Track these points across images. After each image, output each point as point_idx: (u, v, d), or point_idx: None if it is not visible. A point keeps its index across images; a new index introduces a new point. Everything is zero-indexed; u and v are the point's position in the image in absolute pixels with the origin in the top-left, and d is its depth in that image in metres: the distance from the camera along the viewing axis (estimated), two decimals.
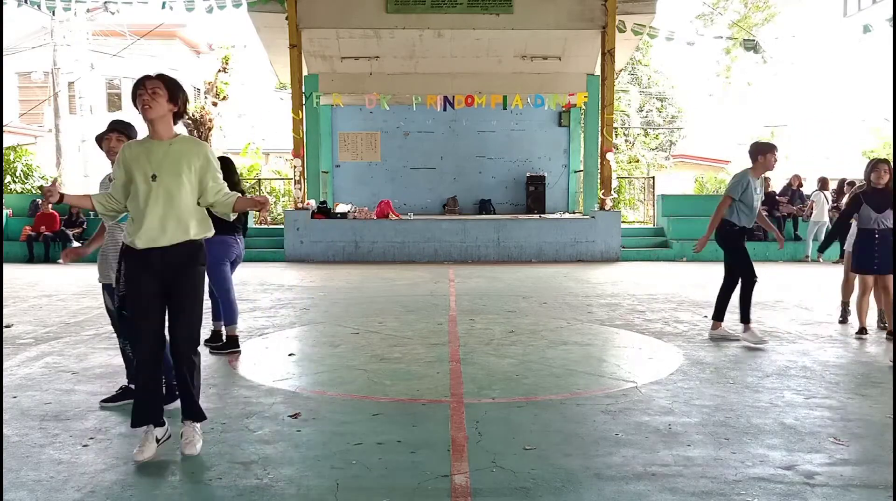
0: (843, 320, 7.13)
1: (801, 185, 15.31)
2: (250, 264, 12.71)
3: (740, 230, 6.24)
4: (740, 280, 6.29)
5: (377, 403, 4.45)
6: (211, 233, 3.66)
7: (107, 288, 4.39)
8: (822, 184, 14.23)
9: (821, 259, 6.27)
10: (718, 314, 6.43)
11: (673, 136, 33.01)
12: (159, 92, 3.45)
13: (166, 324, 3.55)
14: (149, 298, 3.48)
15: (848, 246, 6.92)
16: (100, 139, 4.29)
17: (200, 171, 3.53)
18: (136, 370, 3.63)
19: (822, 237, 13.54)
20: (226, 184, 3.65)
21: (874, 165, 6.41)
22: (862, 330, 6.49)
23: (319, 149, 16.38)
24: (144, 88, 3.44)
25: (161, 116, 3.48)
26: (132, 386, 4.46)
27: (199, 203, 3.57)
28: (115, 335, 6.35)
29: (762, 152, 6.27)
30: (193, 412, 3.62)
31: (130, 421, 3.56)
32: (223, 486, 3.18)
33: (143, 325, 3.49)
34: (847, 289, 7.14)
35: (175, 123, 3.60)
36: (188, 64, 30.19)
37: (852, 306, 6.96)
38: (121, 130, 4.26)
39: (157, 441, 3.53)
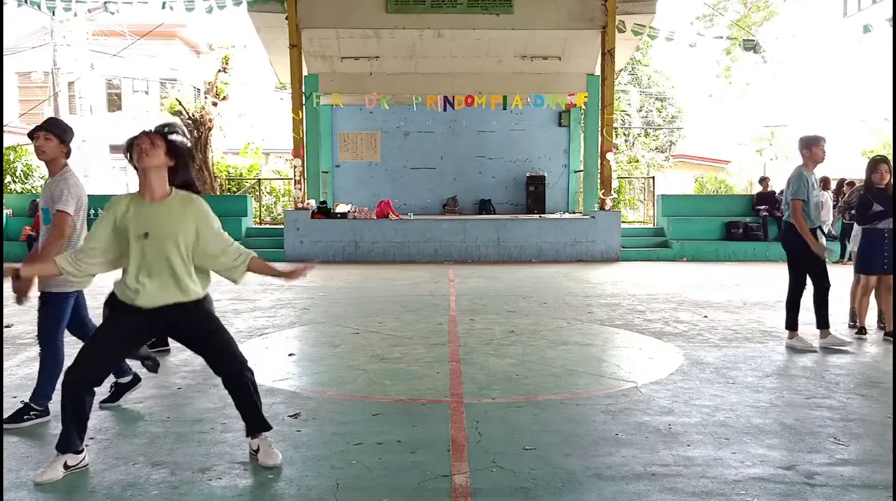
0: (854, 324, 6.85)
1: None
2: None
3: (810, 232, 5.91)
4: (813, 286, 6.01)
5: (377, 403, 4.45)
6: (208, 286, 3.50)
7: (52, 297, 4.05)
8: (825, 184, 14.20)
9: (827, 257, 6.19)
10: (792, 323, 6.07)
11: (673, 136, 33.01)
12: (158, 143, 3.33)
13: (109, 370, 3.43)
14: (123, 339, 3.36)
15: (854, 246, 6.84)
16: (31, 136, 4.05)
17: (198, 234, 3.35)
18: (62, 391, 3.26)
19: (823, 240, 13.51)
20: (234, 243, 3.45)
21: (874, 165, 6.39)
22: (861, 330, 6.49)
23: (319, 149, 16.38)
24: (144, 138, 3.34)
25: (156, 166, 3.31)
26: (121, 381, 4.46)
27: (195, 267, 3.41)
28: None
29: (807, 146, 6.07)
30: (264, 423, 3.54)
31: (56, 444, 3.31)
32: (223, 486, 3.18)
33: (94, 354, 3.27)
34: (858, 292, 7.00)
35: (172, 183, 3.38)
36: (188, 64, 30.22)
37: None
38: (50, 128, 4.03)
39: (67, 467, 3.28)
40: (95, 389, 3.32)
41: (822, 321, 6.05)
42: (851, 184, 13.54)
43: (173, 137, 3.39)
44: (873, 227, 6.32)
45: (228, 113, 22.85)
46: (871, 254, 6.39)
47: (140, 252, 3.26)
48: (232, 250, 3.43)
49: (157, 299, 3.29)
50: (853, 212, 6.70)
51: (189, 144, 3.52)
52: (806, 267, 6.04)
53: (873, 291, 6.52)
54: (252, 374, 3.55)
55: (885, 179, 6.30)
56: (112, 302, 3.45)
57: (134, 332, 3.38)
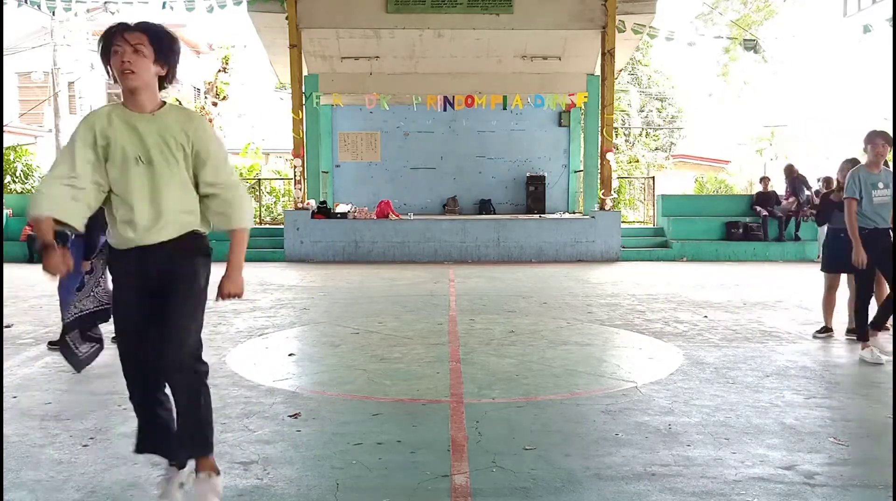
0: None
1: (796, 175, 14.63)
2: (250, 264, 12.67)
3: (866, 234, 5.69)
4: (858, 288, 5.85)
5: (377, 403, 4.45)
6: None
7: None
8: (827, 183, 14.14)
9: None
10: (862, 333, 5.73)
11: (673, 136, 33.01)
12: (143, 50, 2.57)
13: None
14: (140, 308, 2.77)
15: None
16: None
17: (194, 149, 2.71)
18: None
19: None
20: (235, 177, 2.80)
21: (844, 166, 6.45)
22: (826, 330, 6.51)
23: (319, 149, 16.39)
24: (124, 42, 2.56)
25: (146, 83, 2.62)
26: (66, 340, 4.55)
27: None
28: (114, 334, 6.35)
29: (866, 142, 5.81)
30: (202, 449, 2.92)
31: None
32: (223, 486, 3.18)
33: (135, 347, 2.76)
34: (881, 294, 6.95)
35: (161, 89, 2.72)
36: (188, 64, 30.20)
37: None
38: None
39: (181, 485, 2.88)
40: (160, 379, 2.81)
41: (862, 333, 5.75)
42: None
43: (155, 29, 2.65)
44: (839, 226, 6.35)
45: (228, 113, 22.89)
46: (835, 252, 6.40)
47: (133, 177, 2.64)
48: (229, 181, 2.77)
49: (151, 236, 2.69)
50: (815, 212, 6.70)
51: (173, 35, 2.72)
52: (853, 270, 5.85)
53: (837, 289, 6.53)
54: (206, 374, 2.88)
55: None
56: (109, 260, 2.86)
57: (141, 290, 2.73)
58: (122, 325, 2.79)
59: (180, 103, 20.97)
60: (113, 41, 2.57)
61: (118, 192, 2.68)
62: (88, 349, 4.96)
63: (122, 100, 2.70)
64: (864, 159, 5.98)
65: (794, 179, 14.65)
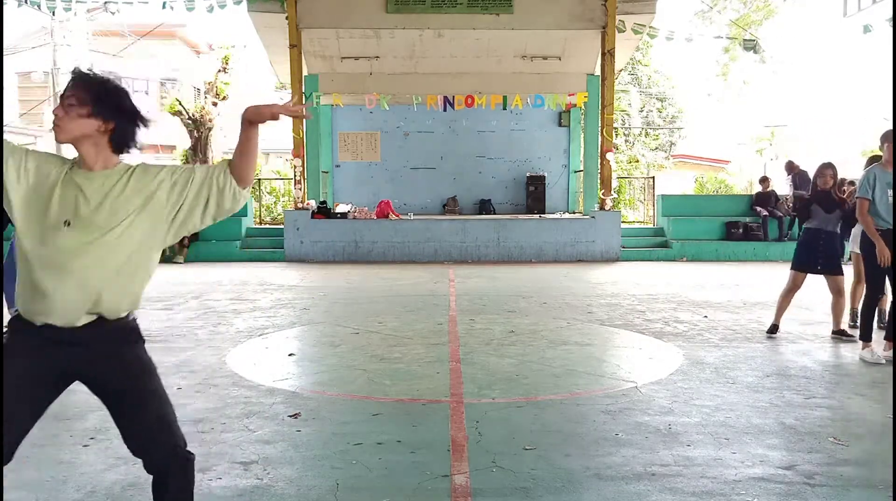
0: (855, 324, 6.76)
1: (797, 171, 14.47)
2: (250, 264, 12.71)
3: (880, 234, 5.61)
4: (865, 290, 5.84)
5: (377, 403, 4.45)
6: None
7: None
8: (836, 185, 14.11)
9: None
10: (866, 334, 5.72)
11: (673, 136, 33.01)
12: (77, 102, 2.23)
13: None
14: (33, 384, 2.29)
15: (855, 247, 6.74)
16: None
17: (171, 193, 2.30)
18: None
19: None
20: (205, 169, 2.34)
21: (821, 169, 6.48)
22: (774, 328, 6.56)
23: (319, 149, 16.39)
24: (62, 97, 2.26)
25: (76, 137, 2.26)
26: None
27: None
28: None
29: (883, 140, 5.75)
30: None
31: None
32: (223, 486, 3.18)
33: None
34: (857, 294, 6.94)
35: (117, 152, 2.32)
36: (188, 64, 30.21)
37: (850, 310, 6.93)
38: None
39: None
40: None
41: (865, 333, 5.76)
42: (852, 183, 13.50)
43: (97, 77, 2.29)
44: (814, 226, 6.39)
45: (228, 113, 22.85)
46: (806, 252, 6.46)
47: (55, 242, 2.19)
48: (211, 174, 2.31)
49: (71, 313, 2.21)
50: (796, 212, 6.72)
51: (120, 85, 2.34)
52: (866, 267, 5.80)
53: (798, 290, 6.56)
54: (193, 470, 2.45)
55: (829, 183, 6.39)
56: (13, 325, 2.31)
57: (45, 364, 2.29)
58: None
59: (181, 103, 20.98)
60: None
61: None
62: None
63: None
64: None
65: (795, 175, 14.53)
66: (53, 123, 2.26)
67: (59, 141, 2.31)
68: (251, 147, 2.34)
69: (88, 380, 2.39)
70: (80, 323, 2.23)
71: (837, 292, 6.40)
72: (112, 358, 2.31)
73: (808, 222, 6.50)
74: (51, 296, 2.18)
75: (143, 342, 2.40)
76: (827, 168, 6.46)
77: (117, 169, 2.30)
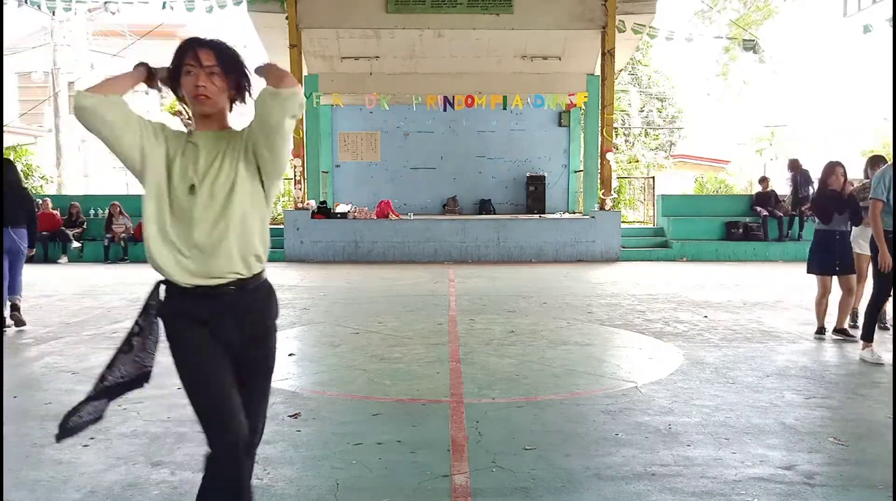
0: (855, 324, 6.75)
1: (800, 169, 14.24)
2: None
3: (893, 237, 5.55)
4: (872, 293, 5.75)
5: (377, 403, 4.45)
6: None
7: None
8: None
9: None
10: (868, 334, 5.67)
11: (673, 136, 33.01)
12: (219, 78, 2.27)
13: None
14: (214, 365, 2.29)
15: (858, 248, 6.68)
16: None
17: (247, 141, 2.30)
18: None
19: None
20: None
21: (832, 168, 6.41)
22: (821, 330, 6.49)
23: (319, 149, 16.39)
24: (198, 63, 2.25)
25: (220, 110, 2.33)
26: None
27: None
28: (115, 334, 6.37)
29: None
30: None
31: None
32: None
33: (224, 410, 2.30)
34: (857, 293, 6.82)
35: (230, 111, 2.41)
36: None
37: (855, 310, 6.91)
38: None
39: None
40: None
41: (867, 333, 5.69)
42: (851, 183, 13.46)
43: (228, 52, 2.32)
44: (827, 228, 6.36)
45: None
46: (824, 255, 6.40)
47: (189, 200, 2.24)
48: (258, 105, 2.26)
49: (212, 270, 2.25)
50: (813, 213, 6.63)
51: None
52: (875, 269, 5.70)
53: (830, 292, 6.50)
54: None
55: (840, 182, 6.35)
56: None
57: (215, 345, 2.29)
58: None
59: (181, 103, 21.05)
60: (185, 59, 2.29)
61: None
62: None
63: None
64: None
65: (797, 174, 14.36)
66: (197, 94, 2.25)
67: (204, 113, 2.31)
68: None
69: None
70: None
71: (849, 290, 6.40)
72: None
73: (819, 225, 6.47)
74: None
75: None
76: (838, 166, 6.41)
77: (228, 130, 2.35)
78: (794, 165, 14.61)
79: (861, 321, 6.29)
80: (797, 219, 14.44)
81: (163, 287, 2.29)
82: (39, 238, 14.29)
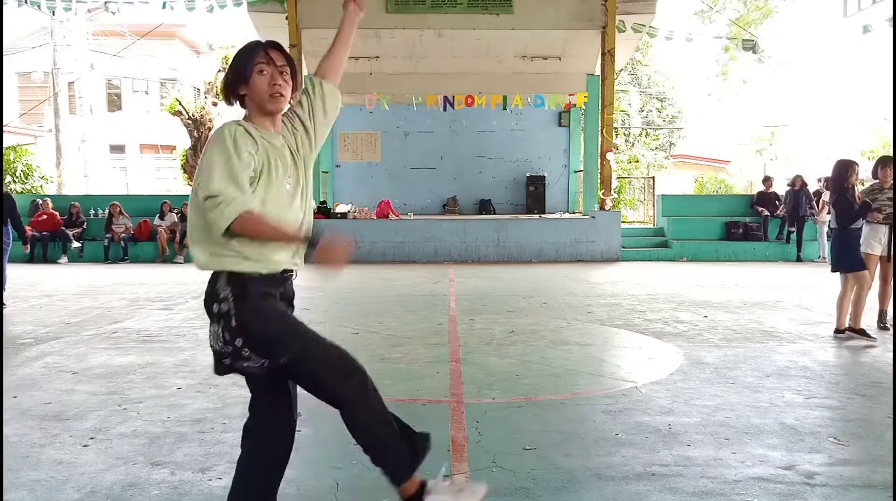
0: (884, 326, 6.77)
1: (804, 185, 14.31)
2: None
3: None
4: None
5: None
6: None
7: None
8: (827, 184, 14.05)
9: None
10: None
11: (673, 136, 33.02)
12: (289, 77, 2.45)
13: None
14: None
15: (869, 249, 6.63)
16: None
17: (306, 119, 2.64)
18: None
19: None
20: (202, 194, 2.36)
21: (850, 167, 6.42)
22: (840, 331, 6.49)
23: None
24: (271, 62, 2.39)
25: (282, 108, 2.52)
26: None
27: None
28: (115, 334, 6.36)
29: None
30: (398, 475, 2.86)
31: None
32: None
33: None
34: (886, 293, 6.83)
35: None
36: (188, 64, 30.20)
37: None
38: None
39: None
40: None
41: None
42: (862, 182, 13.44)
43: (288, 54, 2.55)
44: (849, 228, 6.39)
45: (228, 113, 22.85)
46: (854, 252, 6.43)
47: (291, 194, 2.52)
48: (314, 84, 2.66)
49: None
50: (840, 218, 6.58)
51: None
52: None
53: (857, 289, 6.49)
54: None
55: (855, 182, 6.42)
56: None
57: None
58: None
59: (181, 103, 20.98)
60: (255, 59, 2.38)
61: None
62: None
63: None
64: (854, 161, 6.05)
65: (798, 191, 14.19)
66: (275, 93, 2.38)
67: (278, 110, 2.46)
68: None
69: None
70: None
71: (884, 280, 6.49)
72: None
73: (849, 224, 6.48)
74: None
75: None
76: (855, 164, 6.47)
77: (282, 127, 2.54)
78: (795, 183, 14.35)
79: (890, 320, 6.40)
80: (786, 231, 14.35)
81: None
82: (40, 238, 14.34)
